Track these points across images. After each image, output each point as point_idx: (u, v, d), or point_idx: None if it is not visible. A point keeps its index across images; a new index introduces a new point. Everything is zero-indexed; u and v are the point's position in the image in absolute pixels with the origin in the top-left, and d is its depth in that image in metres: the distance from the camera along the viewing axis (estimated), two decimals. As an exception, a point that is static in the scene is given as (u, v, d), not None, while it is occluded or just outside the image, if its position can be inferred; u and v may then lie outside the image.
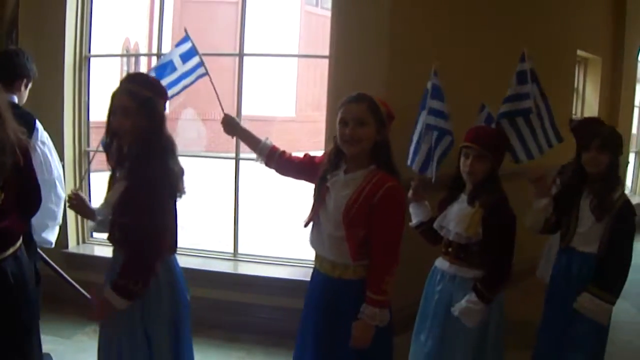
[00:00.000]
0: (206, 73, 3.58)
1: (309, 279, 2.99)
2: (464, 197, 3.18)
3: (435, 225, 3.27)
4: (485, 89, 5.03)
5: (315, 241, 2.85)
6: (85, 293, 4.02)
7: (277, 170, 3.12)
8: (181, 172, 2.83)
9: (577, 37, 7.44)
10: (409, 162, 3.67)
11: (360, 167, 2.70)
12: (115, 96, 2.70)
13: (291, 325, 3.22)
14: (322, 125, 4.61)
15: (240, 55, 5.08)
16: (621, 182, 3.43)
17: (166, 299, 2.81)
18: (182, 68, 3.55)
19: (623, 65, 8.81)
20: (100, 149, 3.06)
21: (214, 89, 3.51)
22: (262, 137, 3.14)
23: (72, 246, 5.26)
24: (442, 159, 3.66)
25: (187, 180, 2.86)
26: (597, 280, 3.23)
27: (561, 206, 3.42)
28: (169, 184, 2.74)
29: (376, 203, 2.60)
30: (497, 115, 3.57)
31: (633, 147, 10.90)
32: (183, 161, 2.86)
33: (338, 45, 4.46)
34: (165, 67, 3.53)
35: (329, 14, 4.63)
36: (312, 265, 2.99)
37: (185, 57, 3.57)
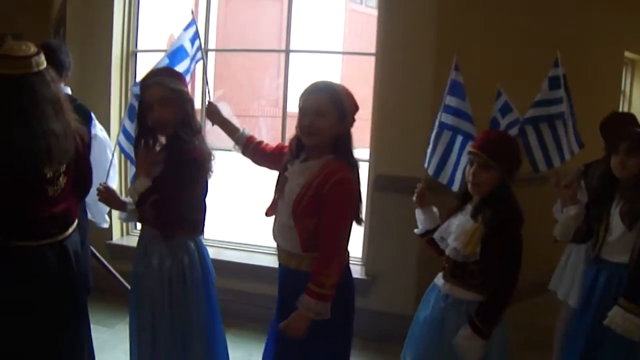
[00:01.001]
0: (201, 58, 3.64)
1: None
2: (469, 209, 2.84)
3: (435, 235, 2.97)
4: (525, 91, 4.99)
5: (274, 231, 2.78)
6: (126, 283, 4.09)
7: (252, 160, 3.14)
8: (211, 153, 2.94)
9: (625, 38, 7.28)
10: (425, 165, 3.45)
11: (317, 157, 2.62)
12: (148, 91, 2.83)
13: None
14: (365, 123, 4.57)
15: (287, 51, 5.07)
16: None
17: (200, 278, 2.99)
18: (191, 52, 3.59)
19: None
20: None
21: (205, 75, 3.54)
22: (241, 127, 3.18)
23: (117, 238, 5.36)
24: (458, 165, 3.39)
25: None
26: (628, 293, 2.89)
27: (592, 213, 3.17)
28: (203, 162, 2.87)
29: (324, 193, 2.51)
30: (523, 120, 3.37)
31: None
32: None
33: (384, 42, 4.44)
34: (177, 53, 3.52)
35: (372, 11, 4.62)
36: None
37: (192, 41, 3.60)
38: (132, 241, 5.30)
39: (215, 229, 5.33)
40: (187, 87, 2.99)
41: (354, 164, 2.63)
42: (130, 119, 3.40)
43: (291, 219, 2.60)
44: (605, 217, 3.11)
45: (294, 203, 2.58)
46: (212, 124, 3.30)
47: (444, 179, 3.38)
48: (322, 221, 2.54)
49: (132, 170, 3.78)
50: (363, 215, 2.78)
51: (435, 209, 3.15)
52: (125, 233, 5.41)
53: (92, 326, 3.07)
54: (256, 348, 4.18)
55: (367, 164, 4.30)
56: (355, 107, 2.65)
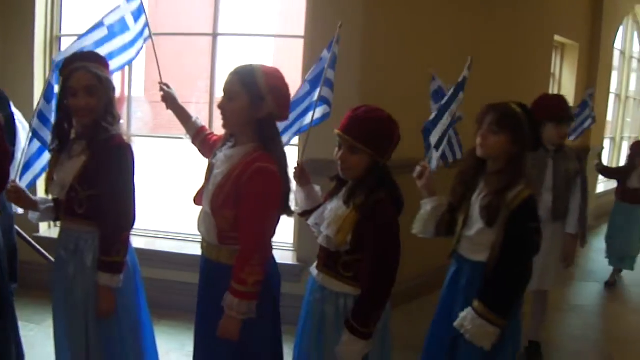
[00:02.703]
0: (150, 36, 3.50)
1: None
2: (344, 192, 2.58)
3: (310, 221, 2.73)
4: (455, 70, 5.04)
5: (199, 220, 2.66)
6: (50, 257, 3.97)
7: (199, 150, 3.08)
8: (130, 140, 2.86)
9: (554, 22, 7.46)
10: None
11: (242, 144, 2.52)
12: (74, 76, 2.70)
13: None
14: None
15: (214, 35, 5.00)
16: (524, 175, 2.73)
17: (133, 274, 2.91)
18: (134, 28, 3.40)
19: (600, 51, 8.83)
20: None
21: (157, 60, 3.43)
22: (194, 116, 3.13)
23: (44, 230, 5.20)
24: (307, 128, 3.31)
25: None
26: (483, 295, 2.63)
27: (452, 201, 2.92)
28: (129, 149, 2.78)
29: (243, 184, 2.39)
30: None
31: (608, 134, 10.99)
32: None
33: (313, 25, 4.40)
34: (118, 24, 3.31)
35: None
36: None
37: (135, 16, 3.40)
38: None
39: (147, 219, 5.20)
40: (110, 73, 2.89)
41: (277, 153, 2.49)
42: (47, 99, 3.16)
43: (209, 208, 2.51)
44: (464, 207, 2.84)
45: (213, 192, 2.49)
46: (167, 108, 3.21)
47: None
48: (241, 214, 2.41)
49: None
50: (294, 205, 2.69)
51: (317, 188, 2.95)
52: (52, 225, 5.23)
53: (19, 323, 2.96)
54: (189, 339, 4.07)
55: (296, 148, 4.26)
56: (278, 90, 2.47)
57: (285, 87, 2.52)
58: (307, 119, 3.31)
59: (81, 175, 2.70)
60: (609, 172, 7.10)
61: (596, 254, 7.43)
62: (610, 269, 6.63)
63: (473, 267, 2.80)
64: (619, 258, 6.59)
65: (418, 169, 2.92)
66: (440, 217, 2.94)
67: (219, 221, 2.48)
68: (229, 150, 2.55)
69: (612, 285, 6.49)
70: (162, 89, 3.20)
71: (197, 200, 2.67)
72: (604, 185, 10.55)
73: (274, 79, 2.48)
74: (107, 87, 2.77)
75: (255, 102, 2.43)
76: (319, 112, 3.28)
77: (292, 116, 3.20)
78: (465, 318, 2.63)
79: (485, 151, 2.75)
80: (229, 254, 2.49)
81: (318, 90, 3.25)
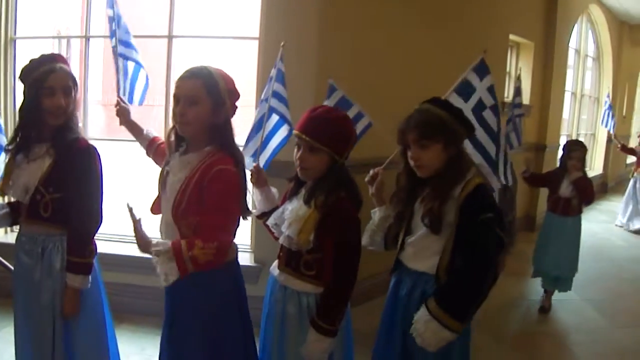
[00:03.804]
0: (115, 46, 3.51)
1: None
2: (304, 194, 2.58)
3: (269, 221, 2.72)
4: (409, 73, 5.08)
5: (160, 228, 2.62)
6: (9, 265, 3.91)
7: (154, 161, 3.05)
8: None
9: (509, 21, 7.56)
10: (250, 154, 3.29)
11: (197, 149, 2.48)
12: (54, 75, 2.68)
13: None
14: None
15: (170, 37, 4.98)
16: (467, 169, 2.51)
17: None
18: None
19: (554, 50, 8.96)
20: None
21: (117, 67, 3.44)
22: (145, 128, 3.13)
23: (0, 236, 5.10)
24: (278, 150, 3.31)
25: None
26: (439, 295, 2.39)
27: (395, 207, 2.71)
28: (98, 155, 2.77)
29: (205, 187, 2.36)
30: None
31: (564, 131, 11.17)
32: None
33: (267, 26, 4.40)
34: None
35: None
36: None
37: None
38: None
39: (105, 223, 5.15)
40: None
41: (235, 155, 2.47)
42: None
43: (171, 216, 2.47)
44: (407, 213, 2.64)
45: (174, 200, 2.45)
46: (120, 124, 3.20)
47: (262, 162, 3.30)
48: (203, 213, 2.36)
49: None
50: (250, 208, 2.69)
51: (274, 190, 2.95)
52: (9, 230, 5.14)
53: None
54: (149, 342, 4.14)
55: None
56: (234, 94, 2.50)
57: (237, 89, 2.53)
58: (276, 138, 3.33)
59: (47, 178, 2.69)
60: (538, 180, 6.07)
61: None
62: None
63: (414, 278, 2.57)
64: (551, 279, 5.57)
65: (371, 172, 2.84)
66: (387, 228, 2.77)
67: (182, 228, 2.45)
68: (183, 156, 2.51)
69: (547, 310, 5.48)
70: (118, 104, 3.21)
71: (155, 209, 2.65)
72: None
73: (230, 82, 2.49)
74: (76, 89, 2.78)
75: (216, 107, 2.42)
76: (272, 122, 3.32)
77: (256, 139, 3.28)
78: (419, 319, 2.39)
79: (424, 171, 2.51)
80: None
81: (267, 104, 3.29)
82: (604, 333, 5.05)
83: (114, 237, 5.11)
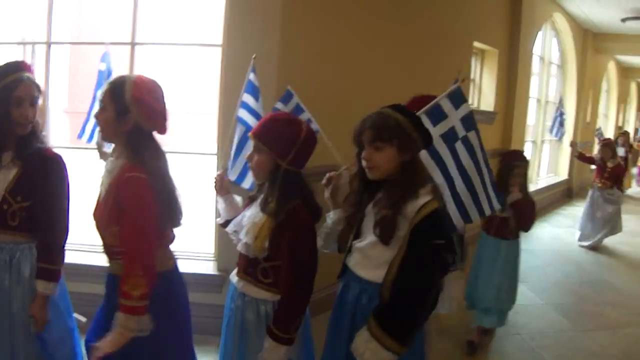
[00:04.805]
0: None
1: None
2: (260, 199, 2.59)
3: (229, 228, 2.73)
4: (373, 79, 5.08)
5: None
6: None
7: None
8: None
9: (473, 29, 7.62)
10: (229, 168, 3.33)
11: (118, 157, 2.50)
12: (23, 86, 2.67)
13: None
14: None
15: (132, 44, 4.90)
16: (423, 182, 2.43)
17: None
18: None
19: (519, 57, 9.06)
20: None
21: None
22: None
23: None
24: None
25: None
26: (380, 314, 2.34)
27: (347, 210, 2.67)
28: (64, 163, 2.79)
29: (119, 197, 2.38)
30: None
31: (529, 137, 11.29)
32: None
33: (229, 33, 4.38)
34: None
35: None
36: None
37: None
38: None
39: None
40: None
41: (145, 163, 2.42)
42: None
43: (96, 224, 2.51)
44: (358, 216, 2.57)
45: (97, 208, 2.51)
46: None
47: (233, 176, 3.34)
48: (121, 227, 2.37)
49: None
50: (182, 219, 2.64)
51: (237, 198, 2.95)
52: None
53: None
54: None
55: (215, 157, 4.25)
56: (142, 104, 2.43)
57: (152, 99, 2.48)
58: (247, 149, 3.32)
59: (14, 186, 2.68)
60: None
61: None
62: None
63: (361, 284, 2.51)
64: (482, 309, 4.71)
65: (327, 175, 2.76)
66: (341, 231, 2.70)
67: (106, 236, 2.48)
68: (110, 163, 2.53)
69: (475, 347, 4.63)
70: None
71: (95, 217, 2.64)
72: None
73: (142, 91, 2.44)
74: (40, 98, 2.79)
75: (120, 114, 2.41)
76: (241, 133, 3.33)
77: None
78: (359, 339, 2.34)
79: (375, 173, 2.44)
80: (120, 267, 2.42)
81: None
82: (569, 336, 5.10)
83: (77, 247, 5.01)
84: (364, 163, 2.45)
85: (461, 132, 2.96)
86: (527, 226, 4.63)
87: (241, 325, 2.61)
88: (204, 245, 4.59)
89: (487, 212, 3.10)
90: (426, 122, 2.78)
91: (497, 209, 3.23)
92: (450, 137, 2.95)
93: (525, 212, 4.53)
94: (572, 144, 9.75)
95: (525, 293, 6.08)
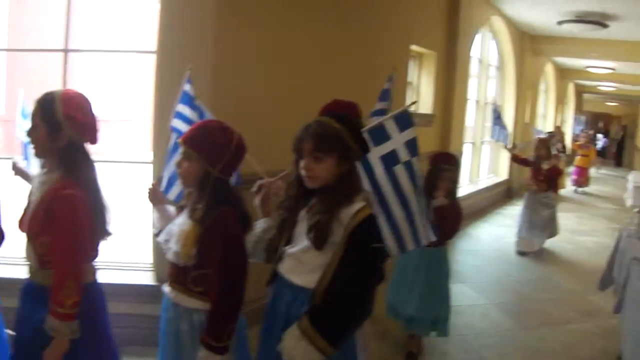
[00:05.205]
0: None
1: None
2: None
3: (160, 238, 2.72)
4: (311, 83, 5.08)
5: (25, 244, 2.62)
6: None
7: None
8: None
9: (411, 33, 7.68)
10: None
11: (50, 171, 2.53)
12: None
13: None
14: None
15: (66, 51, 4.82)
16: (358, 190, 2.50)
17: None
18: None
19: (457, 60, 9.17)
20: None
21: None
22: None
23: None
24: None
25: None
26: (313, 313, 2.32)
27: (280, 215, 2.65)
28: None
29: (52, 211, 2.41)
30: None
31: (468, 139, 11.44)
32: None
33: (163, 40, 4.33)
34: None
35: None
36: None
37: None
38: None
39: None
40: None
41: (81, 176, 2.51)
42: None
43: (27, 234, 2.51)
44: (290, 222, 2.57)
45: (29, 219, 2.49)
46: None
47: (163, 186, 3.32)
48: (53, 240, 2.42)
49: None
50: (109, 229, 2.69)
51: (170, 208, 2.93)
52: None
53: None
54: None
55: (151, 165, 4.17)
56: (74, 120, 2.46)
57: (83, 114, 2.51)
58: None
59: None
60: None
61: (460, 255, 7.78)
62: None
63: (294, 292, 2.49)
64: (406, 319, 4.49)
65: (258, 182, 2.77)
66: (270, 240, 2.68)
67: (37, 246, 2.48)
68: (42, 176, 2.55)
69: (415, 357, 4.54)
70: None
71: (21, 226, 2.62)
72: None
73: (72, 107, 2.47)
74: None
75: (52, 132, 2.45)
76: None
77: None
78: (289, 336, 2.32)
79: (314, 183, 2.44)
80: (50, 277, 2.42)
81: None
82: (511, 334, 5.21)
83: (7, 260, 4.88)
84: (302, 172, 2.44)
85: (404, 156, 2.88)
86: (448, 234, 4.31)
87: (176, 336, 2.59)
88: (141, 255, 4.51)
89: (423, 242, 3.05)
90: (368, 142, 2.75)
91: (432, 240, 3.13)
92: (390, 160, 2.87)
93: (449, 219, 4.20)
94: (505, 147, 9.70)
95: (467, 293, 6.19)
